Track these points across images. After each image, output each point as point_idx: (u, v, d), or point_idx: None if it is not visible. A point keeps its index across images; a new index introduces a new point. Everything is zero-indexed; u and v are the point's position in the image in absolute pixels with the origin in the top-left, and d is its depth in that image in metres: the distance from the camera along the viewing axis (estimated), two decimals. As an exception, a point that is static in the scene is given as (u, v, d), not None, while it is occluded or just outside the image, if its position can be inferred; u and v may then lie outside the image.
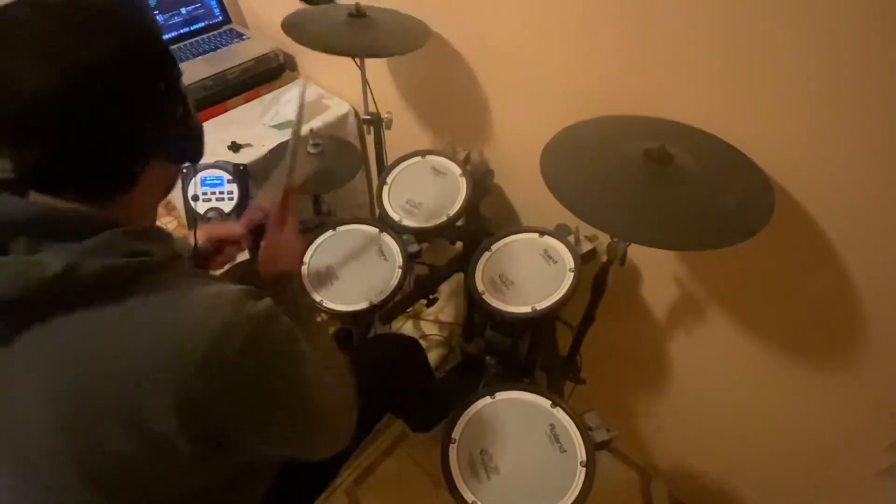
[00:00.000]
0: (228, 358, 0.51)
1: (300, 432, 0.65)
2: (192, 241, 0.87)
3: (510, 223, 1.41)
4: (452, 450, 0.92)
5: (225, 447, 0.57)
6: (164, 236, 0.61)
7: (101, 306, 0.50)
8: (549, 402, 0.97)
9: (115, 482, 0.53)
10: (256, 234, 0.92)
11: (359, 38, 1.15)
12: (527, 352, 1.24)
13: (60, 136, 0.49)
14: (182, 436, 0.52)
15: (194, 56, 1.66)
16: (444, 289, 1.80)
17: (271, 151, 1.43)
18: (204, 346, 0.50)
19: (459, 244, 1.43)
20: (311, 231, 1.20)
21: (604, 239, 1.02)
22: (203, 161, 1.12)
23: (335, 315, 1.06)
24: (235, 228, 0.94)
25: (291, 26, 1.15)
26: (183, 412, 0.51)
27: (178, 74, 0.57)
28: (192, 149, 0.64)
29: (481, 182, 1.26)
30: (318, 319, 0.83)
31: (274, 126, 1.60)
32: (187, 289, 0.54)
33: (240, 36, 1.75)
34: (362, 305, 1.05)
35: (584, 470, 0.88)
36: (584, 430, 0.92)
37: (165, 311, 0.52)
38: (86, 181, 0.52)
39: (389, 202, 1.18)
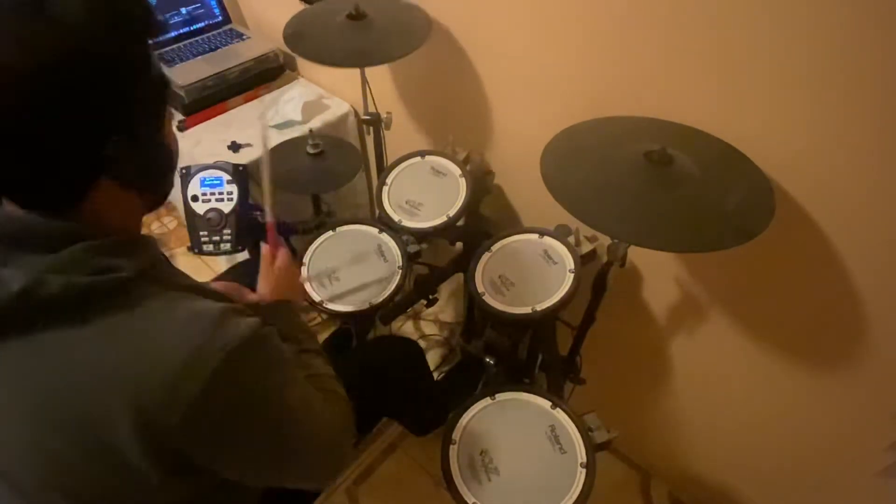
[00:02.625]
0: (196, 388, 0.48)
1: (282, 463, 0.61)
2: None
3: (510, 224, 1.41)
4: (452, 451, 0.92)
5: (199, 473, 0.55)
6: (139, 248, 0.55)
7: (64, 326, 0.48)
8: (550, 403, 0.97)
9: (89, 496, 0.52)
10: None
11: (358, 44, 1.15)
12: (527, 352, 1.24)
13: None
14: (150, 463, 0.50)
15: (194, 56, 1.65)
16: (444, 289, 1.80)
17: (272, 151, 1.43)
18: (171, 375, 0.47)
19: (459, 244, 1.43)
20: (311, 231, 1.20)
21: (604, 240, 1.02)
22: (203, 161, 1.12)
23: (335, 315, 1.06)
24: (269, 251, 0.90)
25: (292, 36, 1.16)
26: (148, 442, 0.48)
27: (143, 89, 0.52)
28: (151, 179, 0.58)
29: (481, 182, 1.26)
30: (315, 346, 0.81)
31: (274, 126, 1.59)
32: (160, 309, 0.51)
33: (240, 36, 1.75)
34: (362, 306, 1.05)
35: (584, 471, 0.88)
36: (585, 431, 0.92)
37: (133, 335, 0.49)
38: (22, 190, 0.49)
39: (389, 202, 1.17)
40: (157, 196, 0.61)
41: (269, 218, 0.88)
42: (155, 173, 0.59)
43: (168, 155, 0.59)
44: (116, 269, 0.50)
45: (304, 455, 0.63)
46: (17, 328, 0.48)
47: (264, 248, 0.88)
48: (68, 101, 0.46)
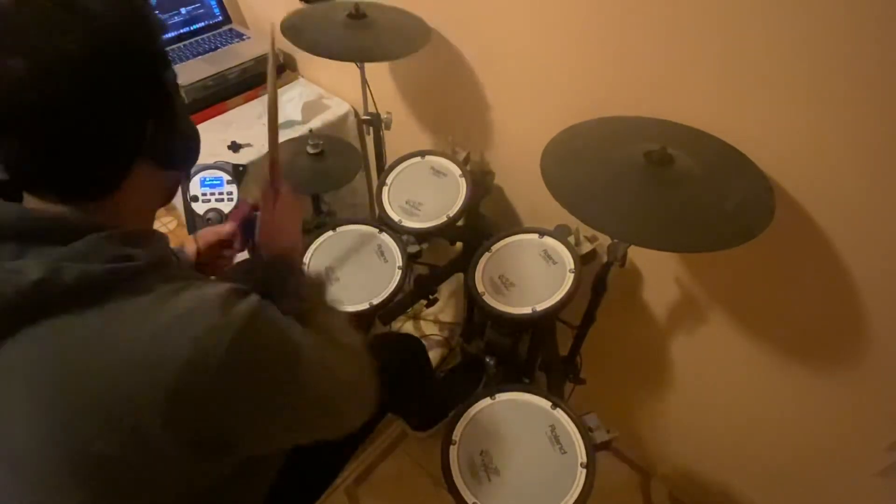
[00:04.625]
0: (213, 363, 0.50)
1: (305, 423, 0.63)
2: (192, 250, 0.88)
3: (510, 224, 1.41)
4: (453, 451, 0.92)
5: (221, 449, 0.56)
6: (151, 240, 0.59)
7: (82, 312, 0.49)
8: (550, 403, 0.97)
9: (110, 485, 0.53)
10: (248, 228, 0.93)
11: (358, 41, 1.15)
12: (527, 352, 1.24)
13: (38, 129, 0.48)
14: (171, 441, 0.51)
15: (194, 56, 1.65)
16: (444, 289, 1.80)
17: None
18: (187, 353, 0.49)
19: (459, 244, 1.43)
20: (310, 231, 1.20)
21: (604, 240, 1.02)
22: (202, 161, 1.12)
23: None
24: (225, 227, 0.94)
25: (290, 29, 1.15)
26: (168, 419, 0.50)
27: (167, 76, 0.56)
28: (181, 154, 0.63)
29: (481, 182, 1.26)
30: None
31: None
32: (171, 293, 0.53)
33: (240, 36, 1.75)
34: (362, 306, 1.05)
35: (584, 471, 0.88)
36: (585, 431, 0.92)
37: (148, 317, 0.51)
38: (66, 179, 0.52)
39: (389, 202, 1.17)
40: (186, 170, 0.67)
41: (270, 150, 0.81)
42: (185, 147, 0.64)
43: (192, 128, 0.64)
44: (131, 258, 0.53)
45: (325, 410, 0.65)
46: (33, 317, 0.49)
47: (265, 186, 0.83)
48: (115, 87, 0.51)
